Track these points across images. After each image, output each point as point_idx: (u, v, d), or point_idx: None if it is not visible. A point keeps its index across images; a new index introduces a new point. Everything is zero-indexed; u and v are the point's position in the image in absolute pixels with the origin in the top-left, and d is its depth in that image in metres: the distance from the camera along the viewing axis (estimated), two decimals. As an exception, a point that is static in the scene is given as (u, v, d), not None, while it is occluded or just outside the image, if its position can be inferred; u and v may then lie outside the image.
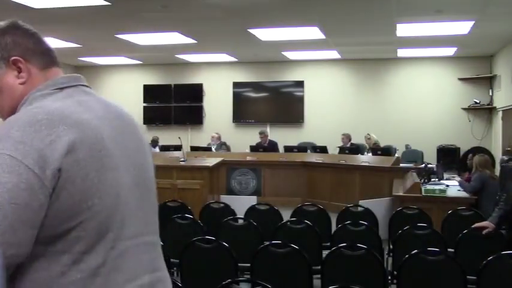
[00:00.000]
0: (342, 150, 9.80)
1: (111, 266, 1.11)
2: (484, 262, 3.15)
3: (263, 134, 10.89)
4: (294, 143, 11.12)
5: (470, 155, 8.09)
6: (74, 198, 1.06)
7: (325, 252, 3.81)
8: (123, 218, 1.14)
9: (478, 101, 11.60)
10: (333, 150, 10.09)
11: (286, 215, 5.20)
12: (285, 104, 12.69)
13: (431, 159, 10.30)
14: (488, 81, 11.60)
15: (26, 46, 1.27)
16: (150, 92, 13.33)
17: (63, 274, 1.06)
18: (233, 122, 12.92)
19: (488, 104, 11.53)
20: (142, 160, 1.27)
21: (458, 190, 6.43)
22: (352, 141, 10.67)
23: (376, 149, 9.31)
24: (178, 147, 9.61)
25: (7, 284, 1.00)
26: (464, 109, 11.81)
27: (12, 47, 1.25)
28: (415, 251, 3.26)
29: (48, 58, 1.30)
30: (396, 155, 9.40)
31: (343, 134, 10.61)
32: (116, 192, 1.13)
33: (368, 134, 10.15)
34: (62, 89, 1.24)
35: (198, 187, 7.18)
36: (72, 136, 1.08)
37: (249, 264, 3.51)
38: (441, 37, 9.26)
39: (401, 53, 11.27)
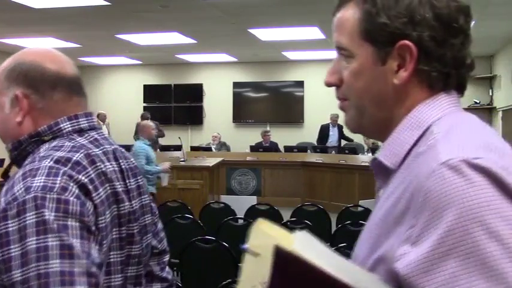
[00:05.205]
0: (342, 149, 9.81)
1: None
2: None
3: (267, 133, 10.79)
4: (294, 143, 11.11)
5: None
6: None
7: (325, 252, 3.80)
8: None
9: (478, 101, 11.59)
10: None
11: (286, 215, 5.19)
12: (285, 104, 12.69)
13: (431, 159, 10.28)
14: (488, 81, 11.60)
15: None
16: (150, 92, 13.33)
17: None
18: (233, 122, 12.92)
19: (488, 104, 11.53)
20: None
21: None
22: (352, 141, 10.65)
23: (376, 149, 9.30)
24: (178, 147, 9.60)
25: None
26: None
27: None
28: (415, 251, 3.25)
29: None
30: (396, 155, 9.37)
31: (331, 114, 10.58)
32: None
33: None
34: None
35: (198, 187, 7.18)
36: None
37: (249, 264, 3.49)
38: (441, 37, 9.25)
39: (401, 53, 11.25)
